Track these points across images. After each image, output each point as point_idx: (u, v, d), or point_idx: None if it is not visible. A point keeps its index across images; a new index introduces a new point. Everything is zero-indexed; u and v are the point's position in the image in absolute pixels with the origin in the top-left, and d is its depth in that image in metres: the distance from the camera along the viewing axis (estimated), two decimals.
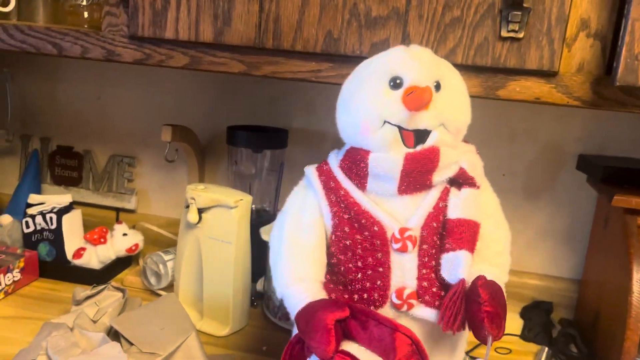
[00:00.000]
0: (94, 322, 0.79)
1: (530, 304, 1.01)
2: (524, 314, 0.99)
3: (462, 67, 0.65)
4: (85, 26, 0.92)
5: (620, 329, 0.76)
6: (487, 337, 0.53)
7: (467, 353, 0.84)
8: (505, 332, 0.91)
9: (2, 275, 0.91)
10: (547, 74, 0.65)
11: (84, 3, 0.93)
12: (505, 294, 0.56)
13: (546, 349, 0.88)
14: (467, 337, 0.64)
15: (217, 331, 0.87)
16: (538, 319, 0.97)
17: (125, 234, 1.04)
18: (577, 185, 1.00)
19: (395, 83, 0.57)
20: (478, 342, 0.81)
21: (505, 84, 0.67)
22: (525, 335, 0.94)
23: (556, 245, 1.03)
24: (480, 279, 0.55)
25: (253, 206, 0.98)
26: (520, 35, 0.63)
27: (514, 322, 0.97)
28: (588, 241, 0.99)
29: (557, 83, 0.66)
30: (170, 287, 0.97)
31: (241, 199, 0.85)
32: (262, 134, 0.99)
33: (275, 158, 1.02)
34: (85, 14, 0.94)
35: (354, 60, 0.63)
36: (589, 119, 0.97)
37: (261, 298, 0.97)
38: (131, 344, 0.72)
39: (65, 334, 0.72)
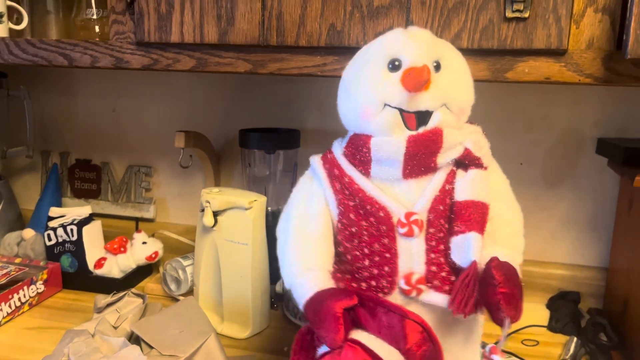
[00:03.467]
0: (115, 328, 0.80)
1: (556, 294, 0.99)
2: (551, 304, 0.97)
3: (468, 51, 0.64)
4: (97, 39, 0.94)
5: None
6: (504, 319, 0.51)
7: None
8: (532, 323, 0.90)
9: (26, 288, 0.93)
10: (556, 53, 0.64)
11: (94, 17, 0.95)
12: (520, 275, 0.55)
13: (575, 338, 0.85)
14: (482, 322, 0.62)
15: (238, 334, 0.87)
16: (565, 309, 0.94)
17: (144, 243, 1.05)
18: (598, 170, 0.97)
19: (394, 65, 0.56)
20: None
21: (513, 66, 0.66)
22: (552, 326, 0.91)
23: (580, 234, 1.00)
24: (493, 260, 0.54)
25: (269, 208, 0.97)
26: (526, 14, 0.62)
27: (540, 313, 0.94)
28: (613, 227, 0.97)
29: (566, 61, 0.64)
30: (190, 293, 0.97)
31: (255, 200, 0.85)
32: (275, 135, 0.99)
33: (289, 159, 1.02)
34: (97, 28, 0.95)
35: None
36: (606, 101, 0.94)
37: (281, 300, 0.96)
38: (151, 347, 0.72)
39: (87, 339, 0.73)
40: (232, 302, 0.88)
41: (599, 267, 1.00)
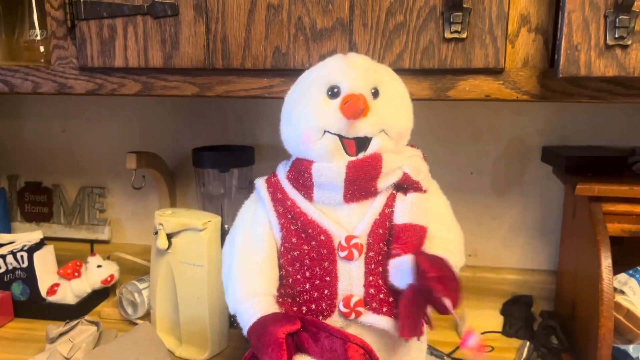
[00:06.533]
0: (68, 359, 0.78)
1: (510, 299, 1.01)
2: (505, 310, 0.99)
3: (410, 72, 0.66)
4: (42, 60, 0.91)
5: (595, 317, 0.76)
6: (444, 303, 0.52)
7: (448, 355, 0.84)
8: (487, 329, 0.93)
9: None
10: (494, 71, 0.66)
11: (39, 37, 0.93)
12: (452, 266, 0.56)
13: (528, 343, 0.88)
14: (424, 337, 0.63)
15: (196, 356, 0.86)
16: (519, 313, 0.97)
17: (99, 266, 1.03)
18: (545, 178, 1.00)
19: (333, 92, 0.57)
20: (458, 344, 0.80)
21: (454, 85, 0.68)
22: (507, 332, 0.93)
23: (530, 239, 1.04)
24: (417, 253, 0.54)
25: (226, 226, 0.97)
26: (464, 35, 0.64)
27: (494, 319, 0.97)
28: (560, 232, 1.00)
29: (504, 79, 0.66)
30: (147, 316, 0.96)
31: (209, 221, 0.84)
32: (228, 153, 0.99)
33: (244, 176, 1.02)
34: (42, 49, 0.93)
35: None
36: (549, 110, 0.98)
37: None
38: None
39: None
40: (190, 324, 0.87)
41: (549, 271, 1.03)
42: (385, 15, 0.66)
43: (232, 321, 0.94)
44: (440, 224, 0.60)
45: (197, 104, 1.09)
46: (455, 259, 0.60)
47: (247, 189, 1.03)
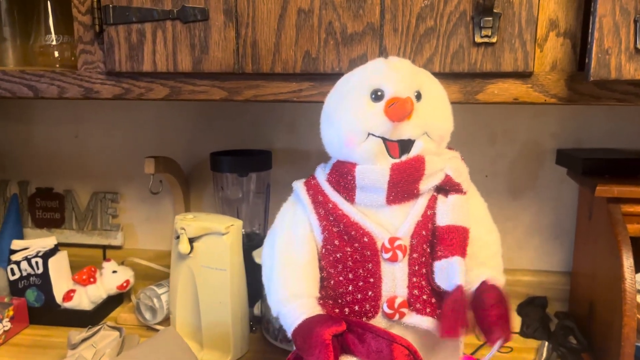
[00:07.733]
0: None
1: (525, 300, 1.03)
2: (520, 310, 1.00)
3: (440, 75, 0.67)
4: (57, 65, 0.91)
5: (617, 317, 0.77)
6: (497, 340, 0.53)
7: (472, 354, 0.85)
8: None
9: None
10: (523, 75, 0.67)
11: (54, 43, 0.93)
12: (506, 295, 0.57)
13: (546, 343, 0.89)
14: (463, 339, 0.64)
15: None
16: (534, 314, 0.98)
17: (114, 271, 1.02)
18: (559, 180, 1.02)
19: (377, 95, 0.58)
20: (479, 343, 0.82)
21: (483, 88, 0.69)
22: (524, 332, 0.94)
23: (544, 240, 1.05)
24: (484, 284, 0.56)
25: (243, 230, 0.97)
26: (494, 39, 0.65)
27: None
28: (575, 233, 1.01)
29: (533, 83, 0.67)
30: (166, 321, 0.95)
31: (232, 225, 0.85)
32: (246, 158, 0.99)
33: (261, 180, 1.02)
34: (56, 54, 0.93)
35: (334, 77, 0.64)
36: (563, 114, 0.99)
37: (259, 322, 0.96)
38: None
39: None
40: (212, 328, 0.87)
41: (563, 272, 1.04)
42: (416, 20, 0.66)
43: (252, 325, 0.94)
44: (480, 226, 0.61)
45: (211, 107, 1.09)
46: (496, 262, 0.61)
47: (265, 193, 1.03)
